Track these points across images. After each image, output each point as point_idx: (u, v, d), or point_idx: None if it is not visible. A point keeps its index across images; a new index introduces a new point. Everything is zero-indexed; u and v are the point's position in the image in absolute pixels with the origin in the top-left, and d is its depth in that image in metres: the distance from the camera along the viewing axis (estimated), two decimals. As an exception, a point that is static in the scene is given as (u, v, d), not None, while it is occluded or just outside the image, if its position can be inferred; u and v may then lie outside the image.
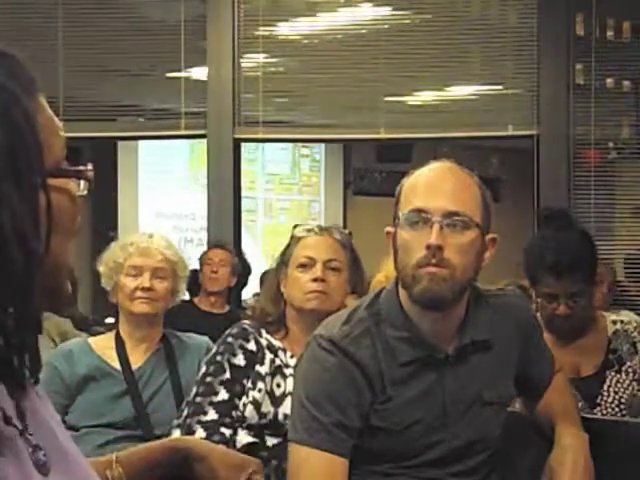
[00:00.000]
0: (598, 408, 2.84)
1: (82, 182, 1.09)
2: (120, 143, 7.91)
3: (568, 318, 2.78)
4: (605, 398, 2.85)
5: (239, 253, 5.50)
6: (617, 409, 2.84)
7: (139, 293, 2.96)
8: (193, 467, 1.61)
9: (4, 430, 1.00)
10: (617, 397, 2.85)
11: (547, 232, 2.89)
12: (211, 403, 2.52)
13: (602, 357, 2.90)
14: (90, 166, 1.10)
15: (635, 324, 2.94)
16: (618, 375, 2.87)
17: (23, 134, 1.00)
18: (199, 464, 1.60)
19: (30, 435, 1.05)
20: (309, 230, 2.69)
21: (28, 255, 0.98)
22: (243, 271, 5.50)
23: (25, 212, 0.98)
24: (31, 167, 1.00)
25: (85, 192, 1.10)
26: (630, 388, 2.86)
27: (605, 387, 2.86)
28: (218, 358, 2.57)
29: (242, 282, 5.59)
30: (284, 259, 2.68)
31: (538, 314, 2.78)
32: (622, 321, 2.95)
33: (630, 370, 2.87)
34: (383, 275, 3.53)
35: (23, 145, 1.00)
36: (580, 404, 2.76)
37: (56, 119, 1.09)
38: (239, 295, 5.73)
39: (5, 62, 1.04)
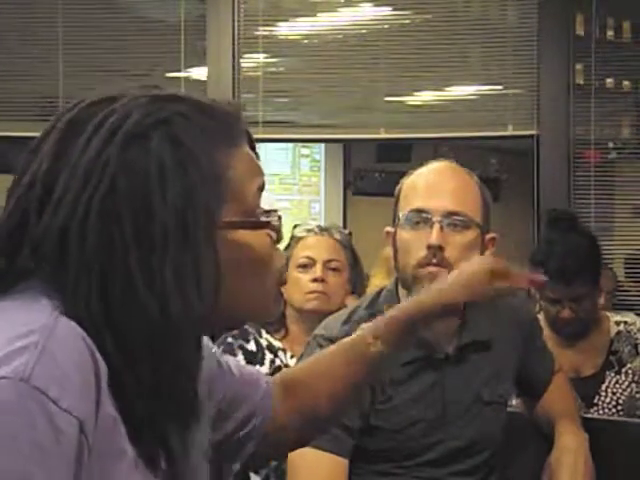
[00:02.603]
0: (595, 408, 2.84)
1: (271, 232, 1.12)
2: (120, 143, 7.90)
3: (572, 321, 2.78)
4: (603, 398, 2.85)
5: None
6: (614, 410, 2.84)
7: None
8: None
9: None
10: (615, 398, 2.85)
11: (552, 236, 2.87)
12: (211, 403, 2.52)
13: (603, 358, 2.89)
14: (277, 216, 1.13)
15: (639, 325, 2.94)
16: (617, 376, 2.87)
17: (198, 195, 1.02)
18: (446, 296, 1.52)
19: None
20: (309, 230, 2.69)
21: (187, 310, 1.00)
22: None
23: (190, 270, 1.01)
24: (200, 225, 1.02)
25: (276, 238, 1.13)
26: (629, 389, 2.85)
27: (603, 387, 2.86)
28: (218, 358, 2.56)
29: None
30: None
31: (540, 315, 2.78)
32: (626, 322, 2.95)
33: (630, 372, 2.87)
34: (378, 280, 3.53)
35: (194, 203, 1.01)
36: (577, 403, 2.76)
37: (255, 163, 1.11)
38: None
39: (202, 118, 1.05)
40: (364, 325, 1.46)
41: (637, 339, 2.91)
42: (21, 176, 1.05)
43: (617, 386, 2.86)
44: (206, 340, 1.21)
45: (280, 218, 1.14)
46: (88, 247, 0.98)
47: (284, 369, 1.49)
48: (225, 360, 1.34)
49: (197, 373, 1.08)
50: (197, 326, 1.03)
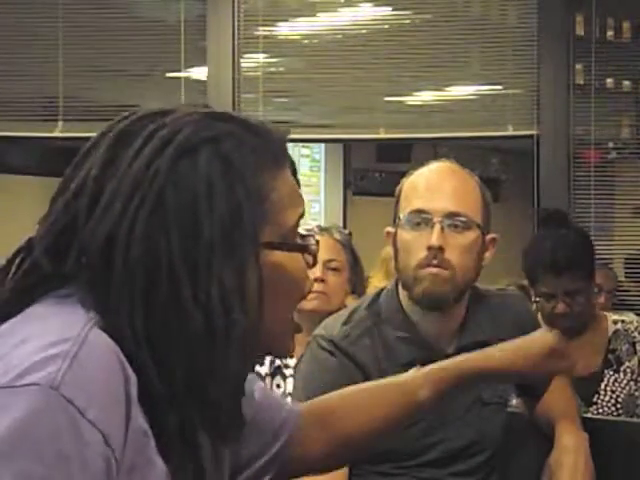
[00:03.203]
0: (594, 407, 2.84)
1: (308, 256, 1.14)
2: (120, 143, 7.89)
3: (567, 316, 2.79)
4: (602, 397, 2.85)
5: None
6: (613, 408, 2.84)
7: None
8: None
9: None
10: (614, 397, 2.85)
11: (545, 232, 2.90)
12: (211, 403, 2.52)
13: (601, 357, 2.90)
14: (315, 241, 1.15)
15: (636, 324, 2.94)
16: (616, 375, 2.87)
17: (244, 214, 1.03)
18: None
19: None
20: (309, 230, 2.69)
21: (231, 326, 1.01)
22: None
23: (234, 286, 1.02)
24: (245, 244, 1.03)
25: (311, 263, 1.14)
26: (627, 388, 2.86)
27: (602, 386, 2.86)
28: (218, 358, 2.57)
29: None
30: (284, 259, 2.68)
31: (538, 314, 2.79)
32: (623, 321, 2.95)
33: (628, 370, 2.87)
34: (378, 280, 3.53)
35: (241, 225, 1.03)
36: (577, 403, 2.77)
37: (297, 192, 1.14)
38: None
39: (250, 138, 1.07)
40: (418, 368, 1.45)
41: (635, 337, 2.91)
42: (68, 182, 1.06)
43: (616, 385, 2.86)
44: None
45: (317, 243, 1.15)
46: (133, 257, 0.99)
47: (319, 398, 1.47)
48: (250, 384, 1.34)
49: (241, 390, 1.09)
50: (241, 342, 1.03)
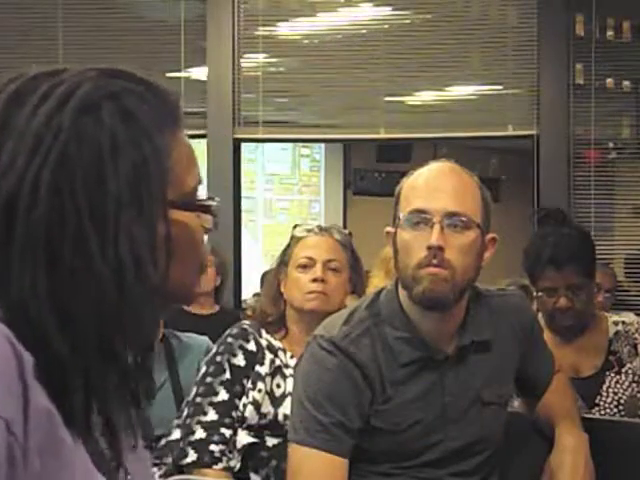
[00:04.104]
0: (596, 408, 2.84)
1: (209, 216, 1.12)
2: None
3: (568, 313, 2.79)
4: (604, 399, 2.85)
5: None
6: (615, 410, 2.84)
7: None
8: None
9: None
10: (616, 398, 2.85)
11: (544, 230, 2.91)
12: (211, 403, 2.52)
13: (602, 358, 2.90)
14: (216, 201, 1.13)
15: (637, 325, 2.94)
16: (618, 376, 2.87)
17: (150, 168, 1.02)
18: None
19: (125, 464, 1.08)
20: (309, 230, 2.68)
21: (142, 279, 1.00)
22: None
23: (143, 239, 1.01)
24: (153, 198, 1.02)
25: (212, 226, 1.13)
26: (629, 389, 2.86)
27: (604, 388, 2.86)
28: (218, 358, 2.56)
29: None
30: (284, 259, 2.68)
31: (539, 313, 2.79)
32: (624, 322, 2.95)
33: (630, 372, 2.87)
34: (378, 280, 3.53)
35: (148, 178, 1.02)
36: (578, 404, 2.77)
37: (194, 155, 1.11)
38: (239, 294, 5.72)
39: (149, 95, 1.06)
40: None
41: (636, 339, 2.91)
42: None
43: (618, 386, 2.86)
44: None
45: (217, 206, 1.13)
46: (37, 216, 0.96)
47: None
48: None
49: (152, 348, 1.07)
50: (152, 298, 1.02)
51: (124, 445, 1.07)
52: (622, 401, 2.84)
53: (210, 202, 1.12)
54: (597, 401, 2.85)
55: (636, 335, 2.91)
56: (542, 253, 2.78)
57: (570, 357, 2.85)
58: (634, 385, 2.85)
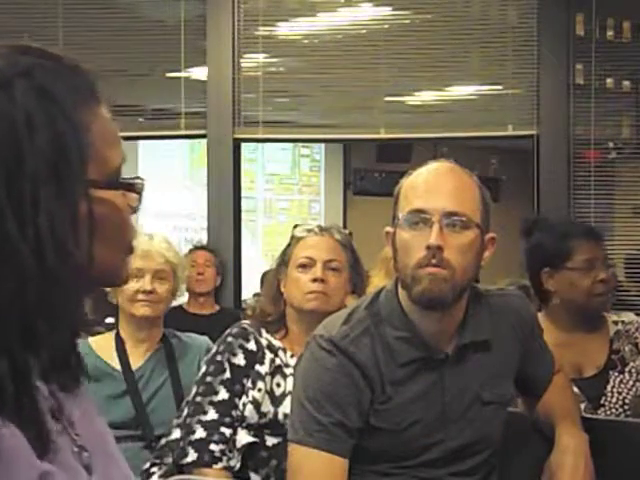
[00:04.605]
0: (602, 409, 2.84)
1: (134, 195, 1.10)
2: (120, 143, 7.90)
3: (608, 287, 2.85)
4: (609, 399, 2.85)
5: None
6: (621, 409, 2.84)
7: (140, 296, 2.96)
8: None
9: (53, 427, 1.01)
10: (621, 397, 2.85)
11: (549, 223, 2.97)
12: (211, 403, 2.52)
13: (604, 358, 2.90)
14: (142, 179, 1.11)
15: (636, 324, 2.95)
16: (621, 375, 2.88)
17: (67, 144, 1.00)
18: None
19: (77, 436, 1.06)
20: (309, 230, 2.68)
21: (65, 258, 0.98)
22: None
23: (64, 218, 0.99)
24: (73, 176, 1.00)
25: (134, 204, 1.11)
26: (634, 389, 2.86)
27: (609, 388, 2.86)
28: (218, 358, 2.57)
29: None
30: (284, 259, 2.68)
31: (539, 312, 2.79)
32: (623, 322, 2.96)
33: (634, 370, 2.88)
34: (378, 280, 3.53)
35: (66, 155, 1.00)
36: (583, 405, 2.77)
37: (117, 132, 1.09)
38: (239, 294, 5.72)
39: (63, 71, 1.04)
40: None
41: (637, 338, 2.92)
42: None
43: (622, 385, 2.87)
44: None
45: (142, 185, 1.11)
46: None
47: None
48: None
49: (76, 328, 1.05)
50: (76, 278, 1.00)
51: (82, 423, 1.06)
52: (627, 400, 2.85)
53: (136, 180, 1.10)
54: (602, 401, 2.85)
55: (636, 334, 2.92)
56: (573, 229, 2.86)
57: (572, 357, 2.85)
58: (638, 384, 2.86)
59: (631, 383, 2.87)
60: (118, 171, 1.08)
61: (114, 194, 1.07)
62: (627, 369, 2.89)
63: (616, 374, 2.88)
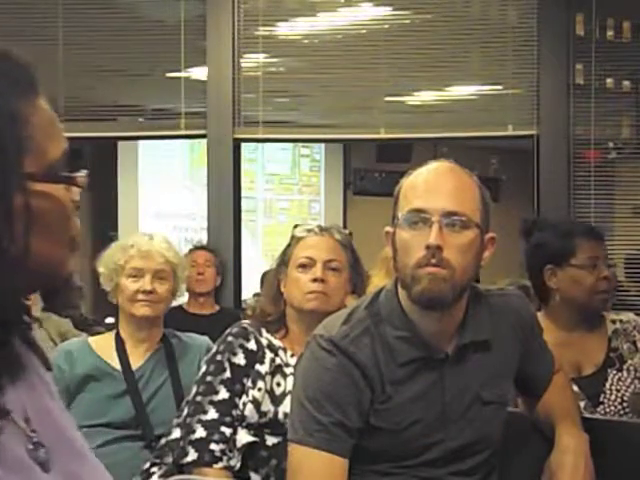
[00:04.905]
0: (601, 407, 2.85)
1: (75, 189, 1.08)
2: (120, 143, 7.91)
3: (610, 285, 2.89)
4: (608, 396, 2.86)
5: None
6: (620, 407, 2.85)
7: (140, 296, 2.96)
8: None
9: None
10: (619, 395, 2.86)
11: (551, 222, 2.99)
12: (211, 402, 2.52)
13: (603, 356, 2.91)
14: (84, 172, 1.09)
15: (634, 323, 2.97)
16: (620, 373, 2.89)
17: (3, 136, 0.99)
18: None
19: (33, 432, 1.05)
20: (309, 230, 2.68)
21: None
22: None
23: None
24: (8, 168, 0.99)
25: (77, 198, 1.08)
26: (632, 386, 2.87)
27: (607, 385, 2.87)
28: (218, 357, 2.57)
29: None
30: (284, 259, 2.68)
31: (538, 312, 2.79)
32: (621, 320, 2.98)
33: (632, 368, 2.89)
34: (379, 280, 3.53)
35: (2, 147, 0.99)
36: (583, 403, 2.78)
37: (57, 124, 1.07)
38: (239, 294, 5.72)
39: (1, 64, 1.03)
40: None
41: (635, 336, 2.94)
42: None
43: (620, 383, 2.88)
44: None
45: (84, 178, 1.09)
46: None
47: None
48: None
49: (13, 324, 1.04)
50: (12, 272, 0.98)
51: (40, 419, 1.05)
52: (626, 398, 2.86)
53: (77, 174, 1.08)
54: (601, 399, 2.86)
55: (634, 332, 2.93)
56: (576, 227, 2.90)
57: (572, 356, 2.87)
58: (636, 382, 2.87)
59: (629, 381, 2.89)
60: (59, 164, 1.06)
61: (55, 187, 1.05)
62: (625, 367, 2.90)
63: (614, 372, 2.90)
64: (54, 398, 1.14)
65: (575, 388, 2.66)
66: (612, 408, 2.85)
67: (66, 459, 1.08)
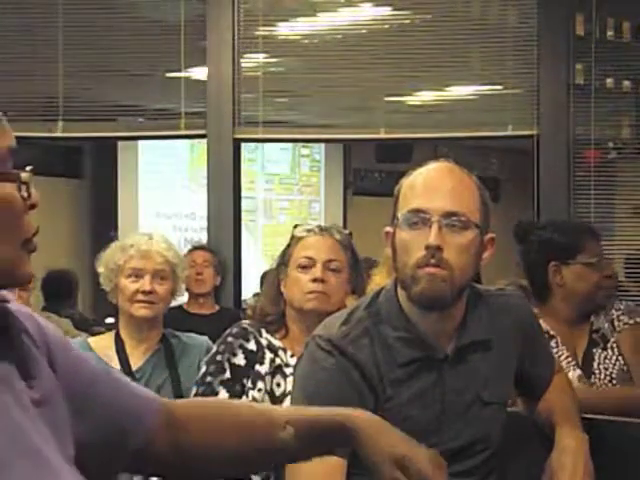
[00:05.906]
0: (593, 387, 2.91)
1: (21, 185, 1.05)
2: (120, 143, 7.91)
3: (613, 283, 2.95)
4: (598, 375, 2.93)
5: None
6: (610, 384, 2.92)
7: (140, 296, 2.96)
8: (357, 449, 1.42)
9: None
10: (608, 373, 2.97)
11: (552, 222, 3.05)
12: (211, 403, 2.52)
13: (586, 337, 2.98)
14: (27, 169, 1.05)
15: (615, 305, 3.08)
16: (605, 352, 2.98)
17: None
18: (362, 449, 1.43)
19: None
20: (309, 230, 2.68)
21: None
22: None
23: None
24: None
25: (25, 194, 1.04)
26: (617, 363, 2.94)
27: (595, 365, 2.97)
28: (218, 358, 2.57)
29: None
30: (284, 259, 2.68)
31: (537, 310, 2.80)
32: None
33: (615, 345, 2.97)
34: (380, 278, 3.53)
35: None
36: (577, 373, 2.84)
37: (1, 123, 1.04)
38: (239, 294, 5.72)
39: None
40: (293, 408, 1.38)
41: (612, 314, 3.03)
42: None
43: (607, 361, 2.98)
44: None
45: (31, 174, 1.06)
46: None
47: (182, 400, 1.41)
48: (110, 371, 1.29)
49: None
50: None
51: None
52: (614, 375, 2.95)
53: (21, 171, 1.05)
54: (592, 380, 2.92)
55: (612, 311, 3.00)
56: (580, 226, 2.95)
57: (566, 350, 2.94)
58: (620, 357, 2.94)
59: (614, 358, 2.97)
60: (4, 160, 1.03)
61: (1, 186, 1.02)
62: (609, 345, 3.00)
63: (600, 351, 2.97)
64: (26, 410, 1.11)
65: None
66: (603, 386, 2.94)
67: (16, 457, 1.06)
